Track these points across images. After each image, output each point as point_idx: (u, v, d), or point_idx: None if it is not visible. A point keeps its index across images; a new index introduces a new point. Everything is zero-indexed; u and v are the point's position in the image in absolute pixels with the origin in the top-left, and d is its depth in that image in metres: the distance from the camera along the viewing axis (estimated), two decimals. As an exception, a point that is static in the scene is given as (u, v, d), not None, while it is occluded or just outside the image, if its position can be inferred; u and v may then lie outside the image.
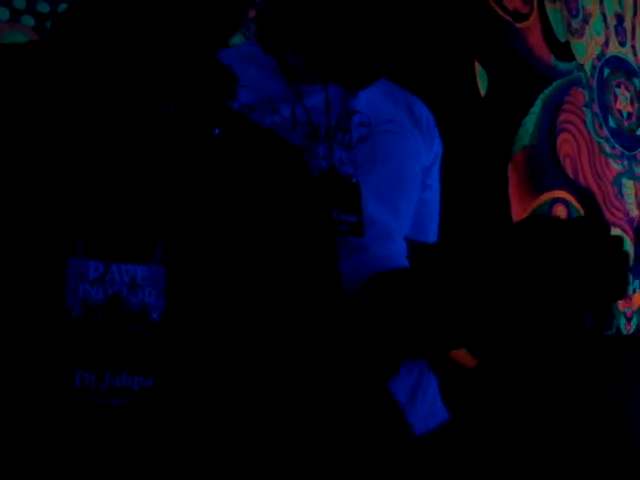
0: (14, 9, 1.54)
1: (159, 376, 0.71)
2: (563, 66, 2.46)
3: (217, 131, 0.79)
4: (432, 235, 1.26)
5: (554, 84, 2.41)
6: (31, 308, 0.68)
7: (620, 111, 2.64)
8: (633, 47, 2.74)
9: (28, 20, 1.55)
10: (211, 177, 0.78)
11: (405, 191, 1.16)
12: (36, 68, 0.76)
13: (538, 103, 2.34)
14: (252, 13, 0.81)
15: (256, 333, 0.78)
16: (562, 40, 2.47)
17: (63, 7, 1.58)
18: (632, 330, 2.48)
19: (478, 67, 2.18)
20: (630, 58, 2.72)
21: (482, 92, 2.17)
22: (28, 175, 0.70)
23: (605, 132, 2.57)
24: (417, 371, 1.17)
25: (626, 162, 2.62)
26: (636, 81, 2.71)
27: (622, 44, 2.70)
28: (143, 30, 0.73)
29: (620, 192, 2.58)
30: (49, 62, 0.76)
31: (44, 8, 1.56)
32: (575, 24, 2.54)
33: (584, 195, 2.45)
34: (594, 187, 2.49)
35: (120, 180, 0.73)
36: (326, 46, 1.10)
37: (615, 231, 2.44)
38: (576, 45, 2.52)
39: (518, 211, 2.19)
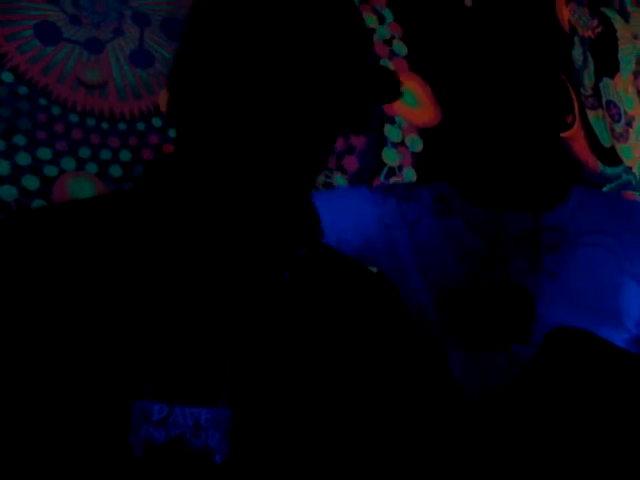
0: (79, 158, 1.62)
1: None
2: (611, 171, 2.47)
3: (287, 275, 0.81)
4: None
5: (604, 190, 2.41)
6: (96, 447, 0.70)
7: (674, 210, 2.62)
8: (680, 146, 2.74)
9: (92, 167, 1.64)
10: (281, 322, 0.79)
11: (597, 304, 1.16)
12: (126, 216, 0.80)
13: (590, 210, 2.34)
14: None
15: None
16: (607, 146, 2.49)
17: (125, 153, 1.66)
18: None
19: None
20: (678, 157, 2.72)
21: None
22: (97, 316, 0.73)
23: (661, 232, 2.54)
24: None
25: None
26: (687, 179, 2.70)
27: (669, 143, 2.71)
28: (226, 176, 0.76)
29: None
30: (140, 210, 0.81)
31: (107, 155, 1.65)
32: (618, 128, 2.56)
33: None
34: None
35: (189, 323, 0.75)
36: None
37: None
38: (622, 149, 2.54)
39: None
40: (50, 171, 1.58)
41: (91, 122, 1.64)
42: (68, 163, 1.61)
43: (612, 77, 2.59)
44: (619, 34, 2.65)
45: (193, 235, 0.78)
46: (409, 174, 1.95)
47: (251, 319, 0.77)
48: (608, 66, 2.59)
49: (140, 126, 1.69)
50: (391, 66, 2.00)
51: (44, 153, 1.58)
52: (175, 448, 0.71)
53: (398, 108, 1.99)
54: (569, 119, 2.39)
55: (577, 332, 0.96)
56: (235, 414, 0.73)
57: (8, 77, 1.56)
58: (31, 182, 1.56)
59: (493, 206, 1.20)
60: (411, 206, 1.25)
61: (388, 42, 2.02)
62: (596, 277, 1.16)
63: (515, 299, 1.12)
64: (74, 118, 1.62)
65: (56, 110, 1.61)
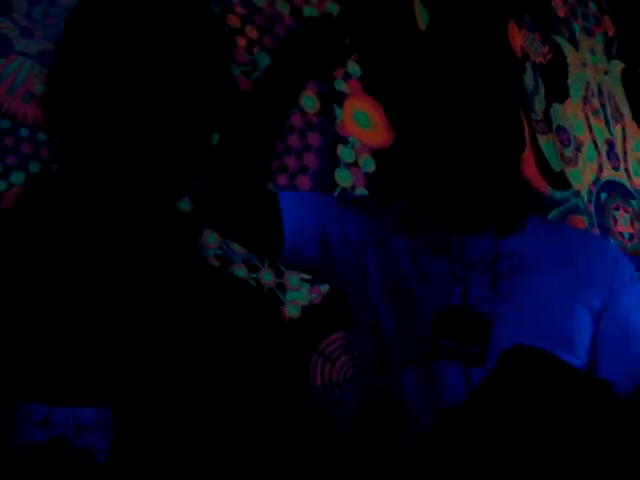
0: (29, 173, 1.60)
1: None
2: (560, 195, 2.52)
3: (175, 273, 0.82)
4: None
5: (553, 213, 2.45)
6: None
7: (621, 233, 2.68)
8: (627, 171, 2.80)
9: (42, 182, 1.62)
10: (160, 321, 0.80)
11: (550, 331, 1.17)
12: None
13: (539, 232, 2.38)
14: None
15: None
16: (557, 170, 2.54)
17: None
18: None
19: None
20: (625, 181, 2.78)
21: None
22: None
23: (608, 255, 2.59)
24: None
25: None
26: (634, 202, 2.76)
27: (615, 168, 2.77)
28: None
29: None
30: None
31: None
32: (568, 153, 2.62)
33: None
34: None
35: (70, 324, 0.76)
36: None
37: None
38: (571, 173, 2.59)
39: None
40: (-1, 185, 1.56)
41: (42, 136, 1.62)
42: (17, 177, 1.59)
43: (562, 102, 2.65)
44: (569, 61, 2.71)
45: (78, 236, 0.79)
46: (361, 194, 1.97)
47: (131, 318, 0.78)
48: (558, 92, 2.65)
49: (92, 141, 1.67)
50: (346, 88, 2.02)
51: (-7, 167, 1.56)
52: (56, 448, 0.71)
53: (351, 129, 2.01)
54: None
55: (530, 350, 0.98)
56: (118, 413, 0.73)
57: (-44, 90, 1.54)
58: (-21, 196, 1.54)
59: (450, 229, 1.21)
60: (376, 223, 1.26)
61: (343, 63, 2.04)
62: (550, 304, 1.18)
63: (472, 323, 1.13)
64: (24, 132, 1.60)
65: (5, 123, 1.59)
